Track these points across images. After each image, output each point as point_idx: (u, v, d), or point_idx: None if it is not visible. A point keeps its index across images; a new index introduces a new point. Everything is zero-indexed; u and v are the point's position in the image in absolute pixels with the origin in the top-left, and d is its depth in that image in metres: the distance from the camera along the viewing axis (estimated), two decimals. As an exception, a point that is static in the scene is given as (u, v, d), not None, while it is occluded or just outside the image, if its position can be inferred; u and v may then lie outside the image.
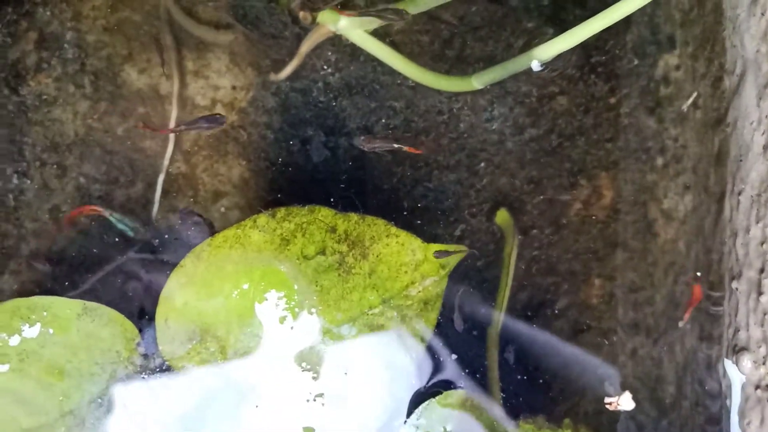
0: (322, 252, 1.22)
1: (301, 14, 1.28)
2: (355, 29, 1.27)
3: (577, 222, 1.35)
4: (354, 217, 1.23)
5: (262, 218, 1.21)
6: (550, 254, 1.35)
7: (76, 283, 1.23)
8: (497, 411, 1.28)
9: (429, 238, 1.27)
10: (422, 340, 1.26)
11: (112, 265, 1.24)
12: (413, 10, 1.22)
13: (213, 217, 1.28)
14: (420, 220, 1.31)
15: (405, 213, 1.31)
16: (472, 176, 1.34)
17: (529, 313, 1.33)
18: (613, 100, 1.37)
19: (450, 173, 1.34)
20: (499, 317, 1.30)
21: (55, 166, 1.26)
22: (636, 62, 1.36)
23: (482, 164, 1.34)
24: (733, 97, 1.17)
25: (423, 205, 1.32)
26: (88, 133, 1.27)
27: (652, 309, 1.33)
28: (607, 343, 1.34)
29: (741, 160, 1.15)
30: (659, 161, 1.34)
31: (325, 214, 1.22)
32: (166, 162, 1.26)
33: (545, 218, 1.35)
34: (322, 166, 1.30)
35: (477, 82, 1.29)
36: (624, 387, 1.31)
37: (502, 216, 1.34)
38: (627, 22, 1.33)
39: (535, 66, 1.24)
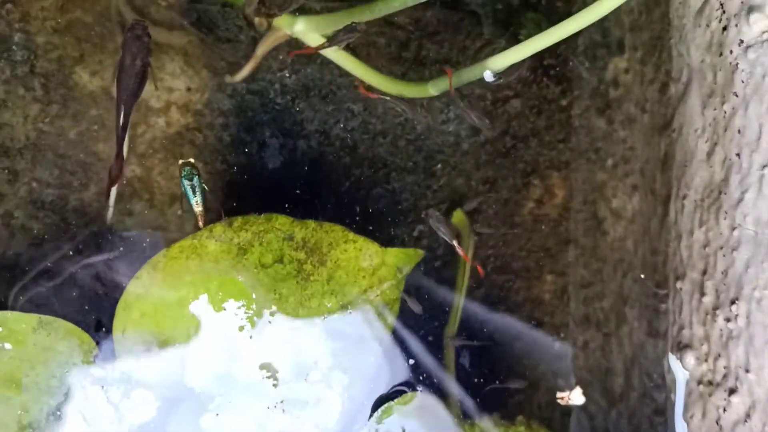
0: (280, 260, 1.23)
1: (257, 20, 1.27)
2: (311, 33, 1.26)
3: (530, 221, 1.39)
4: (311, 224, 1.24)
5: (219, 228, 1.21)
6: (505, 252, 1.38)
7: (31, 297, 1.21)
8: (454, 411, 1.31)
9: (386, 239, 1.29)
10: (380, 343, 1.28)
11: (66, 278, 1.23)
12: (370, 16, 1.22)
13: (169, 220, 1.27)
14: (378, 222, 1.33)
15: (362, 215, 1.32)
16: (429, 177, 1.36)
17: (484, 312, 1.36)
18: (564, 102, 1.40)
19: (407, 175, 1.35)
20: (455, 318, 1.33)
21: (6, 171, 1.24)
22: (587, 65, 1.38)
23: (439, 165, 1.36)
24: (679, 103, 1.21)
25: (380, 207, 1.33)
26: (39, 136, 1.24)
27: (602, 304, 1.38)
28: (559, 337, 1.39)
29: (686, 166, 1.18)
30: (609, 162, 1.38)
31: (282, 222, 1.22)
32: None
33: (500, 217, 1.38)
34: (280, 167, 1.30)
35: (433, 89, 1.30)
36: (576, 378, 1.36)
37: (459, 216, 1.35)
38: (578, 25, 1.36)
39: (488, 76, 1.25)
